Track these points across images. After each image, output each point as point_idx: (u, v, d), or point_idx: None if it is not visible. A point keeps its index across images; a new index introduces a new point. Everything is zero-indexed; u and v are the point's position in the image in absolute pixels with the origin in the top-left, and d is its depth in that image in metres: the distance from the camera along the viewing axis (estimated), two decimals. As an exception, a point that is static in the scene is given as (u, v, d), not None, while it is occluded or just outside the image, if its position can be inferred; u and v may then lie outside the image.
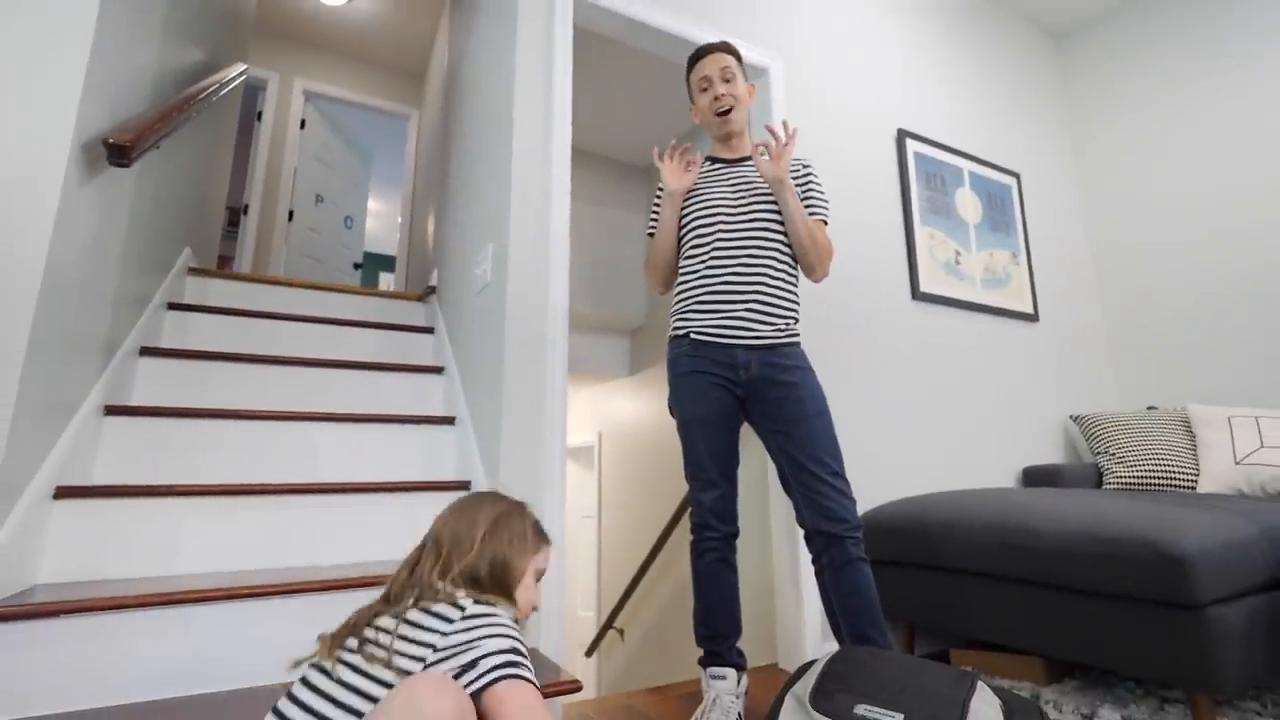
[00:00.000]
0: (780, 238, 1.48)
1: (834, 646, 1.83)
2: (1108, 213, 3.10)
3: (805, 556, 1.90)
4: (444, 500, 1.67)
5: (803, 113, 2.30)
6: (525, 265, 1.69)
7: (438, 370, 2.22)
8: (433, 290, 2.75)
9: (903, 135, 2.52)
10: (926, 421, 2.30)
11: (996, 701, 1.04)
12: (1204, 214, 2.76)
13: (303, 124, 4.23)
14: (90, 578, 1.31)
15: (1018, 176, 2.88)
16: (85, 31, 1.31)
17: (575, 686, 1.28)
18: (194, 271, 2.46)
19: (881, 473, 2.13)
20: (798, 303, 1.50)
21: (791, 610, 1.91)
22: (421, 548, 0.90)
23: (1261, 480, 2.02)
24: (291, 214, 4.08)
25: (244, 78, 2.78)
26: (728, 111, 1.52)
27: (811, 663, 1.19)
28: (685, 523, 3.17)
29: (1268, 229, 2.57)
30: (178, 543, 1.40)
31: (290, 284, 2.66)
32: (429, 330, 2.53)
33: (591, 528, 4.27)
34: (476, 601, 0.79)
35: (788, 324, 1.46)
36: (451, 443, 1.96)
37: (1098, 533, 1.45)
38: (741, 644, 1.44)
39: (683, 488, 3.34)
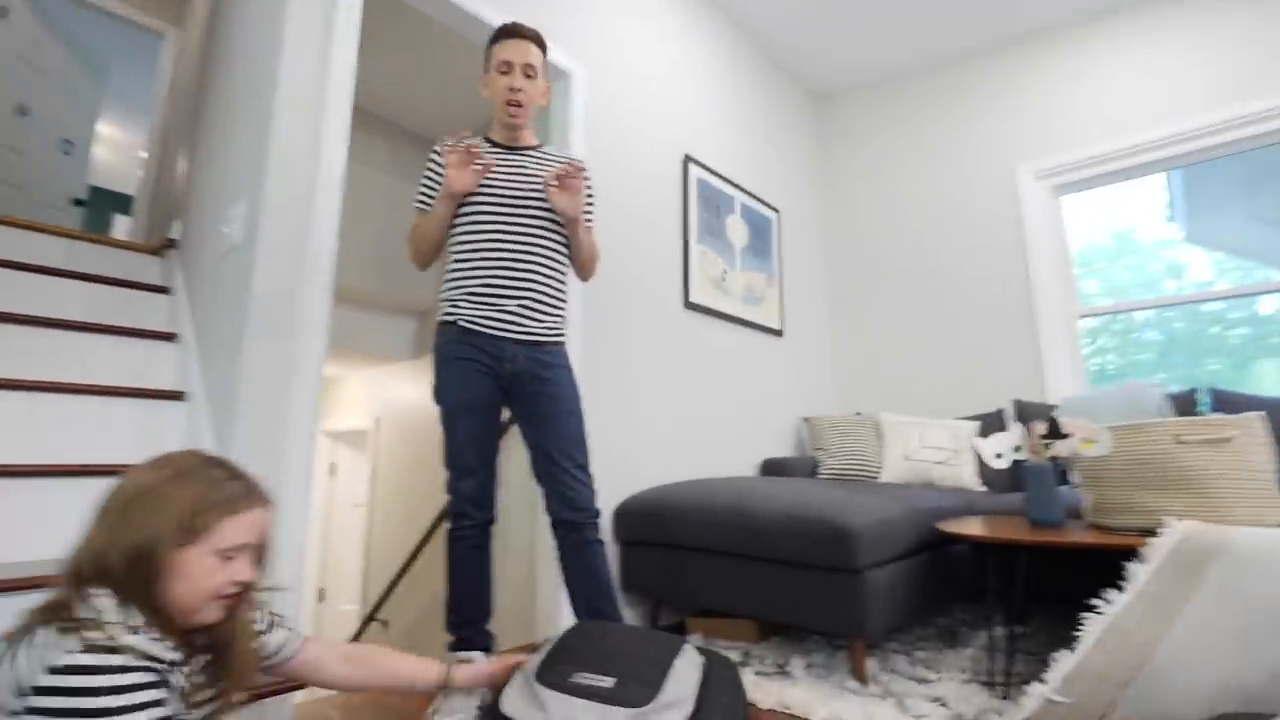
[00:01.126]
0: (555, 237, 1.53)
1: (585, 623, 1.96)
2: (840, 247, 3.76)
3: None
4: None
5: (601, 123, 2.42)
6: (284, 230, 1.54)
7: (169, 337, 1.92)
8: (173, 243, 2.37)
9: (688, 160, 2.77)
10: (687, 417, 2.57)
11: (699, 660, 1.21)
12: (904, 257, 3.48)
13: (3, 11, 3.32)
14: None
15: (778, 211, 3.35)
16: None
17: (297, 685, 1.22)
18: None
19: (643, 462, 2.33)
20: (565, 302, 1.57)
21: (552, 591, 2.00)
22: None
23: (919, 472, 2.62)
24: (-25, 124, 3.19)
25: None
26: (519, 107, 1.52)
27: (547, 640, 1.27)
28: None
29: (942, 275, 3.32)
30: None
31: (-40, 214, 2.09)
32: (164, 289, 2.17)
33: (361, 516, 4.00)
34: (62, 668, 0.60)
35: (556, 322, 1.52)
36: (179, 422, 1.71)
37: (795, 513, 1.76)
38: (507, 625, 1.50)
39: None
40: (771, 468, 2.89)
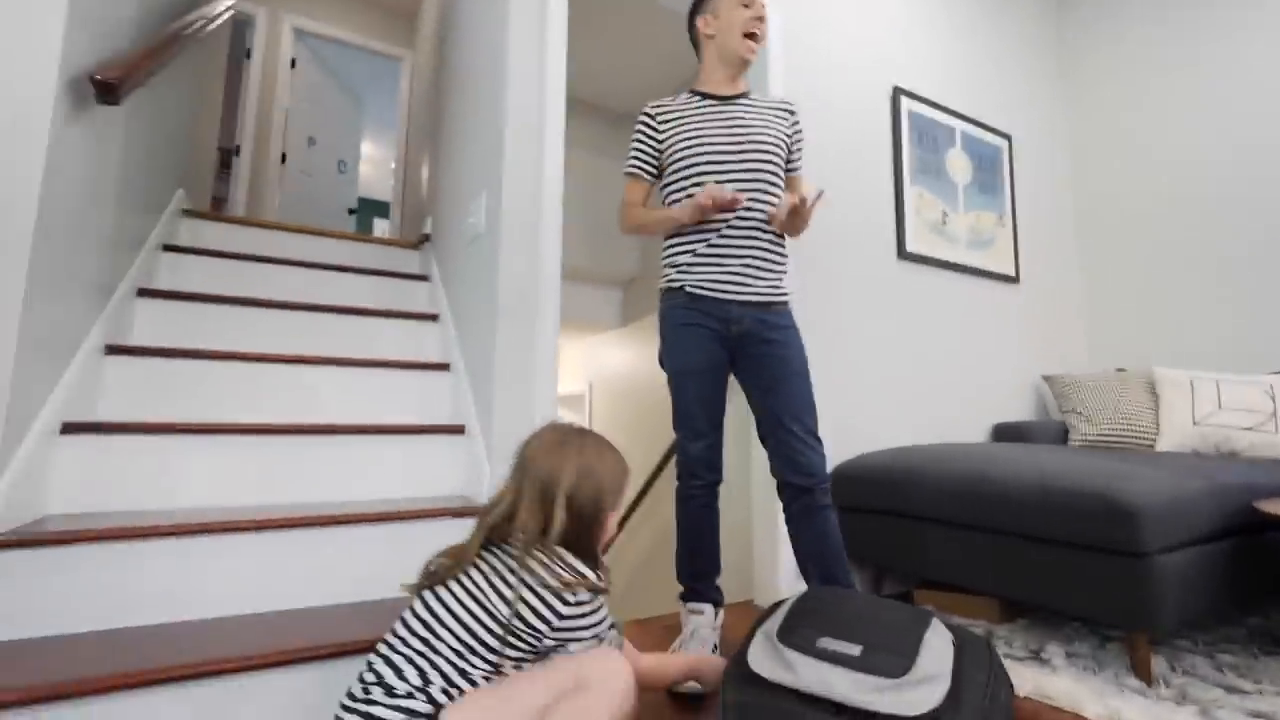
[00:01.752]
0: (775, 190, 1.48)
1: (805, 587, 1.95)
2: (1092, 177, 3.12)
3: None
4: (438, 443, 1.75)
5: (800, 58, 2.28)
6: (518, 216, 1.71)
7: (432, 317, 2.26)
8: (427, 238, 2.76)
9: (898, 93, 2.50)
10: (906, 378, 2.37)
11: (949, 635, 1.13)
12: (1182, 182, 2.78)
13: (293, 63, 4.12)
14: (97, 509, 1.38)
15: (1009, 138, 2.88)
16: (69, -37, 1.29)
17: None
18: (187, 213, 2.46)
19: (863, 424, 2.21)
20: (787, 258, 1.53)
21: (768, 552, 2.01)
22: (516, 491, 1.00)
23: (1216, 440, 2.12)
24: (284, 156, 4.02)
25: (231, 12, 2.71)
26: (757, 39, 1.49)
27: (781, 602, 1.28)
28: (669, 470, 3.29)
29: (1240, 199, 2.59)
30: (177, 478, 1.46)
31: (284, 228, 2.66)
32: (424, 278, 2.56)
33: (581, 475, 4.39)
34: (574, 598, 0.93)
35: (780, 281, 1.49)
36: (446, 389, 2.01)
37: (1053, 485, 1.54)
38: (720, 582, 1.54)
39: (668, 438, 3.43)
40: (1006, 433, 2.57)
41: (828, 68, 2.36)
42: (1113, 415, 2.37)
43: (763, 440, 1.48)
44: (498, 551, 0.97)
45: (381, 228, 7.67)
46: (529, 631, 0.91)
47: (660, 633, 1.72)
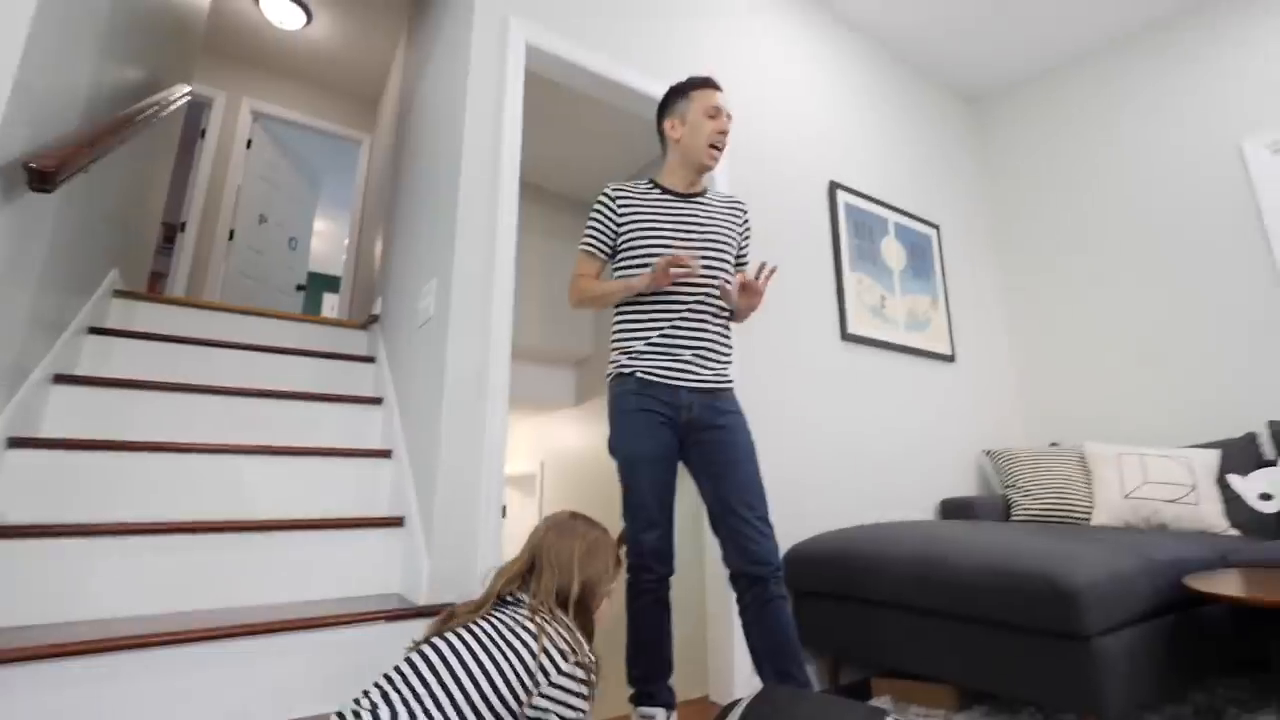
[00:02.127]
0: (726, 278, 1.53)
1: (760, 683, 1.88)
2: (1018, 263, 3.37)
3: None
4: (376, 537, 1.67)
5: (743, 154, 2.43)
6: (469, 300, 1.71)
7: (376, 401, 2.20)
8: (375, 319, 2.73)
9: (834, 186, 2.68)
10: (852, 456, 2.42)
11: (904, 732, 1.10)
12: (1101, 269, 3.04)
13: (249, 143, 4.15)
14: (-11, 622, 1.24)
15: (937, 227, 3.11)
16: (13, 47, 1.29)
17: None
18: (120, 294, 2.37)
19: (809, 505, 2.22)
20: (733, 347, 1.57)
21: (723, 645, 1.95)
22: (530, 559, 1.09)
23: (1145, 513, 2.22)
24: (232, 233, 3.97)
25: (188, 99, 2.73)
26: (720, 150, 1.57)
27: (735, 703, 1.23)
28: (623, 550, 3.20)
29: (1154, 281, 2.85)
30: (85, 585, 1.34)
31: (226, 309, 2.59)
32: (370, 359, 2.51)
33: (533, 558, 4.22)
34: (574, 658, 0.98)
35: (726, 368, 1.53)
36: (387, 478, 1.94)
37: (1003, 568, 1.56)
38: (673, 678, 1.47)
39: (620, 518, 3.35)
40: (953, 509, 2.62)
41: (768, 158, 2.52)
42: (1050, 490, 2.45)
43: (714, 529, 1.46)
44: (507, 610, 1.03)
45: (331, 302, 7.56)
46: (527, 677, 0.95)
47: (611, 738, 1.61)
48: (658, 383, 1.46)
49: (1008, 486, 2.60)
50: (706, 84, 1.58)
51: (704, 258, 1.51)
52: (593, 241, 1.60)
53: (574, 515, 1.16)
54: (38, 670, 1.07)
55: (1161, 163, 2.92)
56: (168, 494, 1.63)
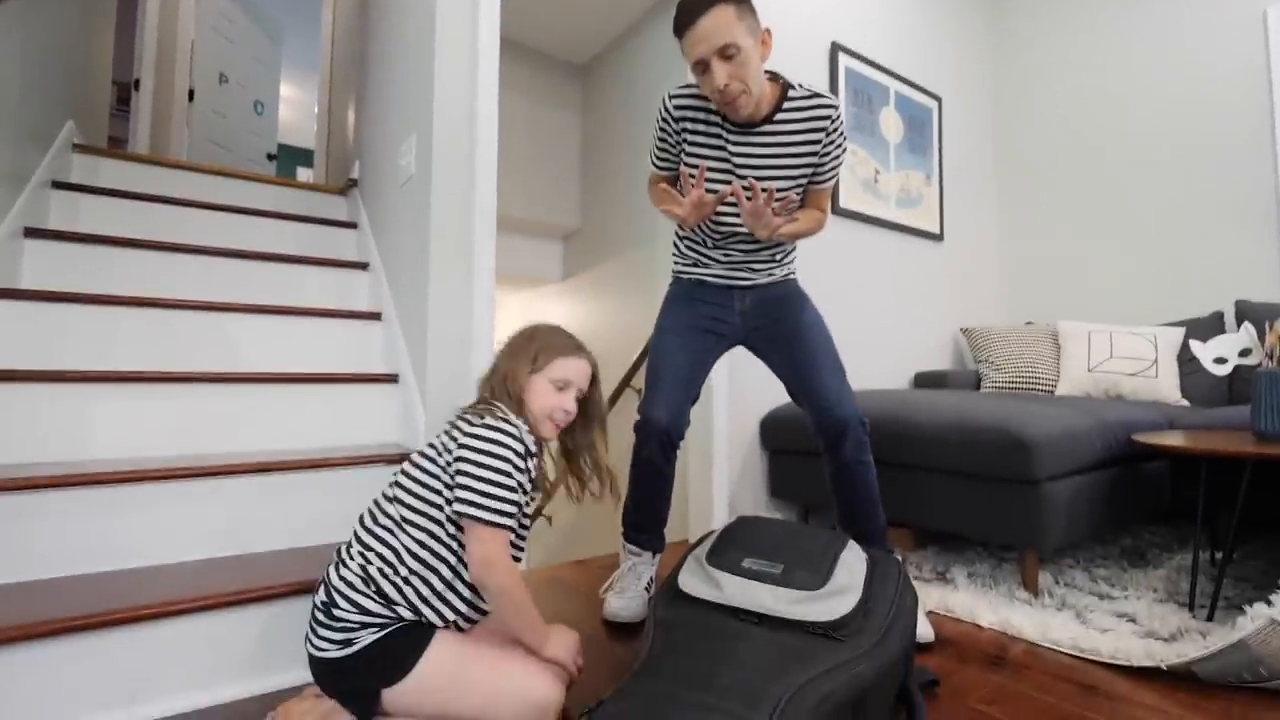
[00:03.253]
0: (792, 203, 1.32)
1: (738, 525, 2.05)
2: (1014, 140, 3.28)
3: (718, 447, 2.08)
4: (371, 392, 1.72)
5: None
6: (450, 157, 1.65)
7: (362, 266, 2.18)
8: (354, 183, 2.63)
9: (836, 49, 2.53)
10: (835, 329, 2.46)
11: (863, 555, 1.23)
12: (1097, 148, 2.97)
13: (195, -13, 3.75)
14: (-4, 462, 1.30)
15: (939, 100, 2.98)
16: None
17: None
18: (80, 149, 2.25)
19: (791, 375, 2.30)
20: (794, 249, 1.54)
21: (703, 495, 2.10)
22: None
23: (1105, 385, 2.34)
24: (192, 93, 3.70)
25: (121, -76, 2.43)
26: (733, 100, 1.22)
27: (712, 531, 1.35)
28: (611, 420, 3.33)
29: (1151, 165, 2.80)
30: (85, 428, 1.39)
31: (196, 169, 2.48)
32: (352, 225, 2.45)
33: (523, 431, 4.39)
34: (481, 420, 0.93)
35: (788, 264, 1.52)
36: (378, 339, 1.96)
37: (965, 423, 1.67)
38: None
39: (609, 389, 3.45)
40: (926, 380, 2.74)
41: (770, 13, 2.35)
42: (1019, 364, 2.56)
43: (794, 401, 1.49)
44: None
45: (305, 176, 7.22)
46: (440, 458, 0.94)
47: (599, 571, 1.78)
48: (710, 283, 1.49)
49: (980, 361, 2.71)
50: (676, 27, 1.22)
51: (763, 183, 1.30)
52: (657, 160, 1.44)
53: (524, 327, 1.12)
54: (43, 498, 1.14)
55: (1178, 30, 2.76)
56: (157, 348, 1.64)
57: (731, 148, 1.32)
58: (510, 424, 0.93)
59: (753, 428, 2.21)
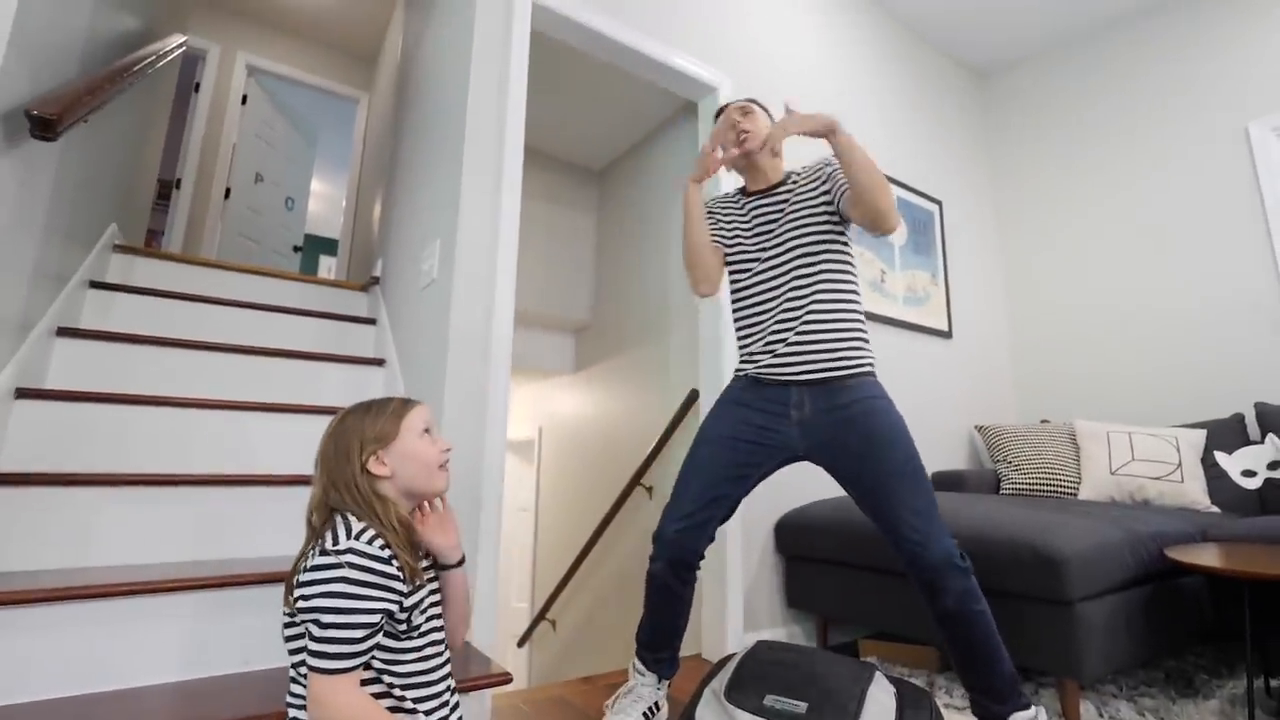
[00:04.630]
0: (824, 259, 1.39)
1: (754, 638, 1.94)
2: (1019, 242, 3.38)
3: (731, 554, 2.01)
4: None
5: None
6: (472, 264, 1.72)
7: (379, 363, 2.21)
8: (376, 280, 2.72)
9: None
10: (850, 429, 2.45)
11: (891, 689, 1.16)
12: (1102, 250, 3.05)
13: (244, 99, 4.06)
14: (4, 570, 1.27)
15: (940, 204, 3.10)
16: (12, -5, 1.26)
17: (505, 679, 1.33)
18: (120, 249, 2.35)
19: (807, 474, 2.26)
20: (860, 326, 1.39)
21: (717, 605, 2.01)
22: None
23: (1130, 489, 2.27)
24: (229, 191, 3.92)
25: (183, 49, 2.67)
26: (744, 141, 1.46)
27: (729, 657, 1.28)
28: (621, 518, 3.26)
29: (1152, 270, 2.87)
30: (95, 534, 1.36)
31: (224, 267, 2.57)
32: (371, 321, 2.51)
33: (529, 520, 4.30)
34: (307, 565, 0.82)
35: (845, 353, 1.34)
36: (390, 436, 1.96)
37: (990, 536, 1.61)
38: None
39: (618, 485, 3.40)
40: (944, 481, 2.67)
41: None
42: (1039, 465, 2.51)
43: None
44: None
45: (328, 265, 7.50)
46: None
47: (607, 691, 1.67)
48: (766, 381, 1.39)
49: (998, 461, 2.65)
50: (718, 114, 1.58)
51: (782, 258, 1.41)
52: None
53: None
54: (49, 613, 1.10)
55: (1167, 143, 2.91)
56: (176, 448, 1.65)
57: (758, 204, 1.49)
58: (340, 549, 0.81)
59: (768, 531, 2.14)
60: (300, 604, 0.80)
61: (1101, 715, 1.51)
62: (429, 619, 0.92)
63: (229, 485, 1.51)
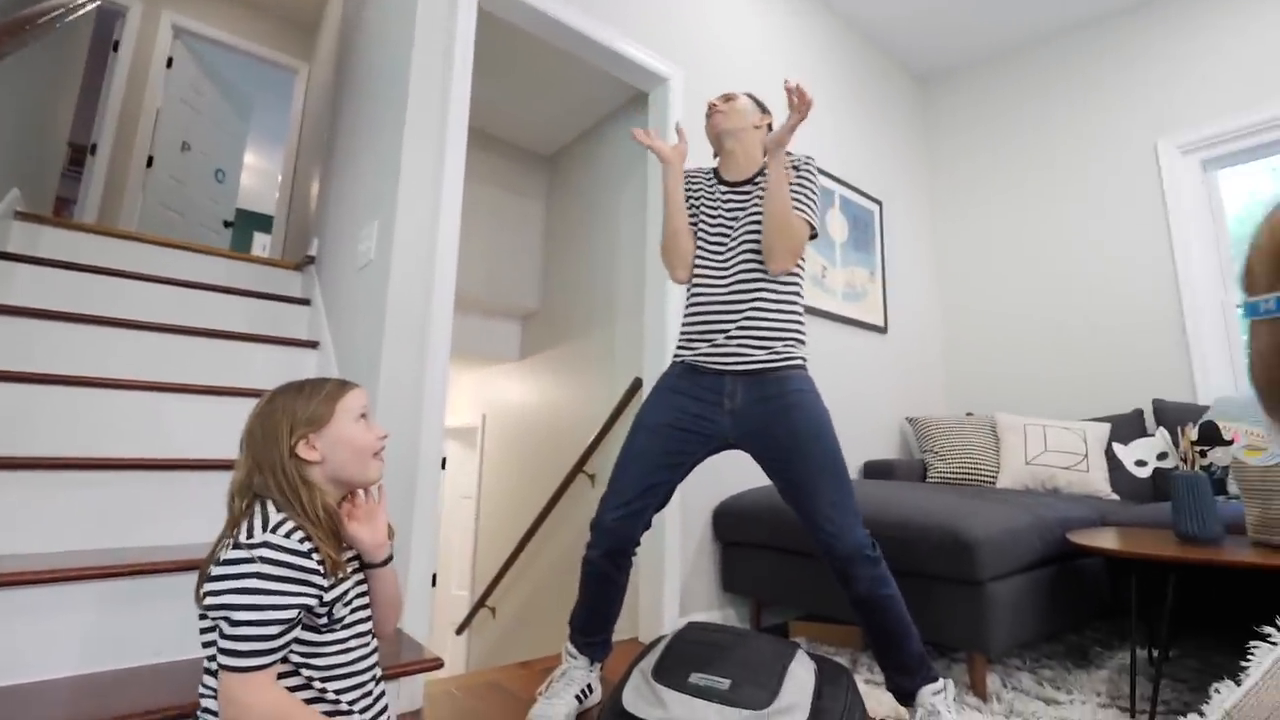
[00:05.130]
0: (767, 270, 1.42)
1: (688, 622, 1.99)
2: (952, 242, 3.54)
3: (669, 540, 2.05)
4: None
5: (699, 125, 2.43)
6: (412, 246, 1.68)
7: (312, 345, 2.14)
8: (311, 260, 2.62)
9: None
10: (788, 419, 2.52)
11: (812, 665, 1.21)
12: (1022, 255, 3.24)
13: (170, 62, 3.81)
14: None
15: (880, 204, 3.21)
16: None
17: (436, 664, 1.33)
18: (22, 216, 2.18)
19: (742, 462, 2.32)
20: (798, 325, 1.44)
21: (654, 589, 2.04)
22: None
23: (1043, 478, 2.44)
24: (151, 160, 3.68)
25: (97, 3, 2.48)
26: (715, 120, 1.51)
27: (660, 639, 1.31)
28: (562, 505, 3.27)
29: (1072, 274, 3.06)
30: (-5, 519, 1.28)
31: (145, 240, 2.43)
32: (305, 302, 2.42)
33: (470, 508, 4.25)
34: (219, 558, 0.79)
35: (782, 346, 1.40)
36: (323, 421, 1.90)
37: (913, 522, 1.70)
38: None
39: (562, 473, 3.40)
40: (875, 470, 2.79)
41: (722, 126, 2.52)
42: (962, 455, 2.65)
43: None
44: None
45: (262, 242, 7.14)
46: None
47: (543, 675, 1.68)
48: (701, 368, 1.41)
49: (925, 451, 2.79)
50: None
51: (740, 249, 1.44)
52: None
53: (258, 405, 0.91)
54: (-58, 603, 1.03)
55: (1085, 154, 3.10)
56: (84, 429, 1.55)
57: (728, 196, 1.51)
58: (255, 542, 0.78)
59: (705, 518, 2.19)
60: (209, 599, 0.77)
61: (1005, 685, 1.62)
62: (354, 610, 0.89)
63: (143, 470, 1.44)
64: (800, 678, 1.12)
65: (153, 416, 1.65)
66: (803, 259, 1.48)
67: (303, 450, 0.86)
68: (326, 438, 0.88)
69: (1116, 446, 1.71)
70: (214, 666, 0.80)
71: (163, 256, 2.42)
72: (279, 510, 0.82)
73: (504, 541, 3.75)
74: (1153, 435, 1.73)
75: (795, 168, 1.45)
